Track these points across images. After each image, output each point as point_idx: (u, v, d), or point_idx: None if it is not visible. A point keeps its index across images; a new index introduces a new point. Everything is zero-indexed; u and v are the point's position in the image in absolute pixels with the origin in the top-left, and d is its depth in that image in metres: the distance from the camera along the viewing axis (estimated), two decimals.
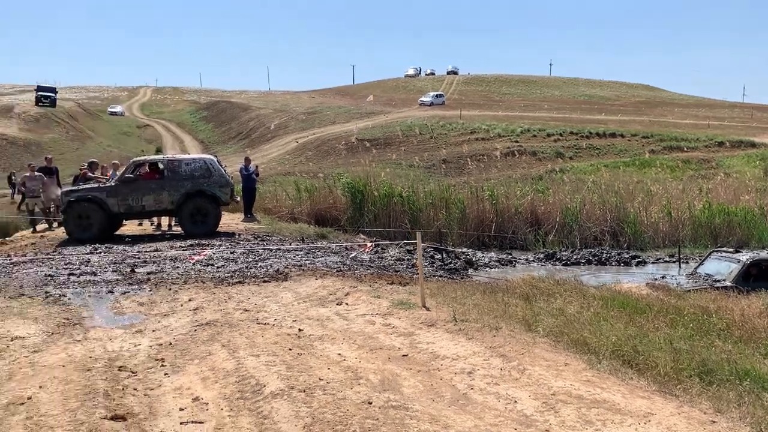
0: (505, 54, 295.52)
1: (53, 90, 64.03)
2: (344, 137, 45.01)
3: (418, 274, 10.62)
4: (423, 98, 65.11)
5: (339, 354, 5.96)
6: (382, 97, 73.48)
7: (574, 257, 16.27)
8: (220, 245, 12.85)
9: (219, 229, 15.04)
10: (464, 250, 16.34)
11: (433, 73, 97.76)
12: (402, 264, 11.85)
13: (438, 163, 36.15)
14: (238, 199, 16.87)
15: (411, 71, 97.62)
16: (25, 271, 10.36)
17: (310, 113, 60.67)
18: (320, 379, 5.22)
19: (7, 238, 16.90)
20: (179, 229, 15.33)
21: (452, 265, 13.72)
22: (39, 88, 63.24)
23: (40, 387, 5.10)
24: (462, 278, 12.18)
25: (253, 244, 13.39)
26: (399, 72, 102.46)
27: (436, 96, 65.27)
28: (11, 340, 6.42)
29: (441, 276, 11.50)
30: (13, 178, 32.28)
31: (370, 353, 6.01)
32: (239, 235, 14.72)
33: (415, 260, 12.46)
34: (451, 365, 5.70)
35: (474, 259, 15.36)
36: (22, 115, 54.83)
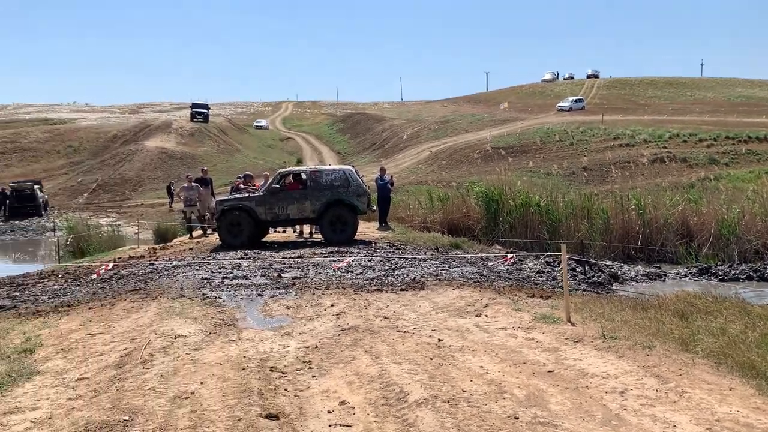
0: (650, 55, 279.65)
1: (206, 106, 69.36)
2: (478, 145, 44.69)
3: (560, 287, 10.25)
4: (561, 103, 63.20)
5: (481, 366, 5.86)
6: (517, 103, 72.20)
7: (732, 272, 14.94)
8: (358, 253, 13.18)
9: (356, 237, 15.46)
10: (608, 262, 15.55)
11: (571, 78, 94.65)
12: (542, 276, 11.50)
13: (578, 170, 34.82)
14: (374, 208, 17.26)
15: (548, 76, 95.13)
16: (184, 274, 11.22)
17: (443, 122, 60.92)
18: (463, 391, 5.15)
19: (167, 243, 18.50)
20: (319, 236, 15.96)
21: (595, 278, 13.11)
22: (194, 105, 68.85)
23: (201, 383, 5.47)
24: (607, 293, 11.59)
25: (389, 252, 13.60)
26: (535, 77, 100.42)
27: (576, 101, 63.08)
28: (175, 338, 6.96)
29: (584, 290, 11.01)
30: (171, 187, 35.32)
31: (514, 367, 5.86)
32: (375, 243, 15.02)
33: (555, 273, 12.05)
34: (601, 384, 5.41)
35: (619, 272, 14.57)
36: (179, 130, 59.93)
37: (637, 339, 6.56)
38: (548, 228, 17.40)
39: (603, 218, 17.26)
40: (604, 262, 15.28)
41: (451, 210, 19.41)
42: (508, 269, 11.84)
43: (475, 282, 10.08)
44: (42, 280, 13.55)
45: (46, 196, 38.72)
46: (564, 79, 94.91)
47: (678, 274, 15.33)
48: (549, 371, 5.77)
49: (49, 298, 11.06)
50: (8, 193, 36.30)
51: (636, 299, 9.81)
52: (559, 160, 38.33)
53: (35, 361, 6.76)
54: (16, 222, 33.43)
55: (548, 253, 13.35)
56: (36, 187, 36.91)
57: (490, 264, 12.20)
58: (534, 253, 14.29)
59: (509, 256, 12.48)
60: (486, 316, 7.88)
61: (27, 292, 12.27)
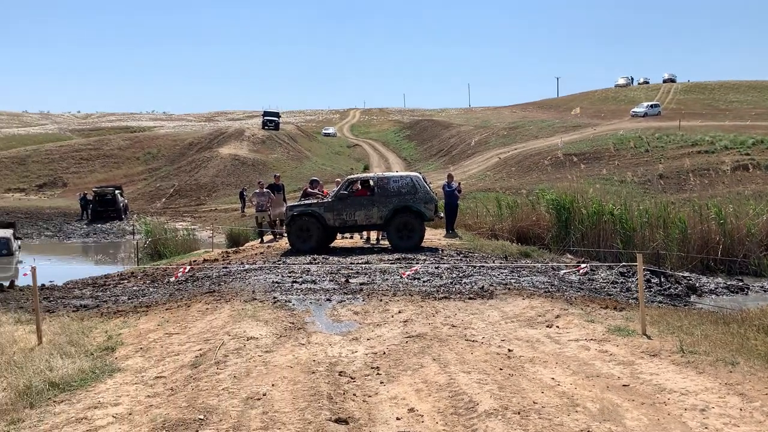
0: (731, 58, 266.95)
1: (277, 114, 71.06)
2: (548, 152, 43.82)
3: (635, 298, 9.91)
4: (636, 109, 61.22)
5: (552, 378, 5.73)
6: (590, 109, 70.45)
7: None
8: (425, 260, 13.15)
9: (423, 244, 15.43)
10: (686, 274, 14.90)
11: (647, 82, 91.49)
12: (615, 287, 11.14)
13: (654, 178, 33.55)
14: (442, 215, 17.17)
15: (622, 81, 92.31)
16: (256, 277, 11.50)
17: (512, 128, 60.12)
18: (534, 403, 5.05)
19: (239, 248, 19.02)
20: (386, 242, 16.02)
21: (672, 290, 12.59)
22: (265, 113, 70.70)
23: (273, 385, 5.59)
24: (684, 305, 11.11)
25: (457, 260, 13.50)
26: (608, 82, 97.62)
27: (651, 106, 60.96)
28: (247, 340, 7.14)
29: (660, 302, 10.59)
30: (244, 193, 36.33)
31: (587, 380, 5.69)
32: (442, 250, 14.95)
33: (629, 284, 11.66)
34: (679, 400, 5.19)
35: (697, 284, 13.94)
36: (251, 138, 61.58)
37: (718, 354, 6.26)
38: (622, 237, 16.82)
39: (680, 228, 16.56)
40: (681, 274, 14.65)
41: (521, 218, 19.07)
42: (579, 279, 11.54)
43: (545, 292, 9.87)
44: (122, 281, 14.21)
45: (126, 201, 40.59)
46: (639, 83, 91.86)
47: (762, 287, 14.52)
48: (624, 385, 5.58)
49: (128, 299, 11.58)
50: (90, 198, 38.28)
51: (717, 313, 9.37)
52: (633, 167, 37.08)
53: (116, 358, 7.09)
54: (99, 225, 35.16)
55: (622, 264, 12.91)
56: (117, 192, 38.74)
57: (561, 273, 11.92)
58: (607, 263, 13.85)
59: (582, 265, 12.16)
60: (557, 327, 7.70)
61: (108, 292, 12.89)
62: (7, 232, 22.44)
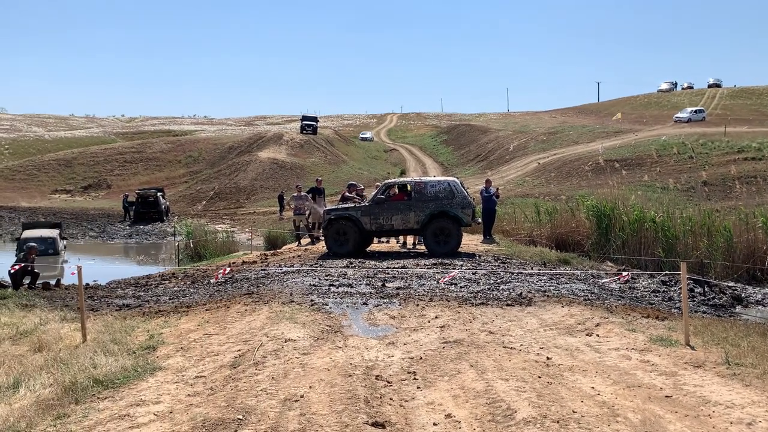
0: None
1: (315, 119, 71.66)
2: (589, 157, 43.16)
3: (678, 308, 9.69)
4: (679, 114, 59.94)
5: (592, 387, 5.63)
6: (631, 114, 69.22)
7: None
8: (462, 265, 13.08)
9: (460, 249, 15.36)
10: (730, 284, 14.49)
11: (691, 87, 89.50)
12: (657, 296, 10.90)
13: (698, 185, 32.73)
14: (479, 220, 17.06)
15: (665, 86, 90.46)
16: (293, 280, 11.60)
17: (551, 133, 59.44)
18: (574, 412, 4.97)
19: (277, 250, 19.23)
20: (423, 247, 15.99)
21: (716, 300, 12.25)
22: (304, 118, 71.37)
23: (310, 387, 5.62)
24: (729, 316, 10.80)
25: (494, 266, 13.40)
26: (650, 87, 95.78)
27: (695, 111, 59.60)
28: (285, 342, 7.20)
29: (704, 312, 10.32)
30: (283, 197, 36.72)
31: (628, 390, 5.58)
32: (479, 256, 14.85)
33: (672, 293, 11.41)
34: (725, 413, 5.04)
35: (743, 294, 13.54)
36: (289, 142, 62.23)
37: (766, 367, 6.07)
38: (664, 245, 16.45)
39: (725, 236, 16.10)
40: (725, 284, 14.25)
41: (560, 224, 18.82)
42: (620, 287, 11.33)
43: (585, 300, 9.72)
44: (163, 282, 14.51)
45: (168, 203, 41.44)
46: (682, 88, 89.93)
47: None
48: (666, 396, 5.45)
49: (169, 299, 11.82)
50: (132, 200, 39.23)
51: (764, 324, 9.08)
52: (676, 173, 36.26)
53: (157, 357, 7.23)
54: (141, 226, 35.96)
55: (665, 272, 12.63)
56: (159, 194, 39.57)
57: (601, 281, 11.73)
58: (648, 272, 13.57)
59: (624, 273, 11.94)
60: (597, 335, 7.57)
61: (150, 292, 13.17)
62: (53, 232, 23.09)
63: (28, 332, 9.18)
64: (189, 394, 5.70)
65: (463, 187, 15.89)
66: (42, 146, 73.23)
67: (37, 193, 55.57)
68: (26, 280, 13.99)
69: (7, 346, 8.54)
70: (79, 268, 8.83)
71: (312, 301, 9.54)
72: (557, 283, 11.21)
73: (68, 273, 16.84)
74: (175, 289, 13.21)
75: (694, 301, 11.73)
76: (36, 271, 14.26)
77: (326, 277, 11.77)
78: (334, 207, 16.50)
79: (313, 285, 10.93)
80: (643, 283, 12.24)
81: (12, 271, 13.71)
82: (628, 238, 16.86)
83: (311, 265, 13.60)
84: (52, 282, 14.49)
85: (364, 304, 9.46)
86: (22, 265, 13.86)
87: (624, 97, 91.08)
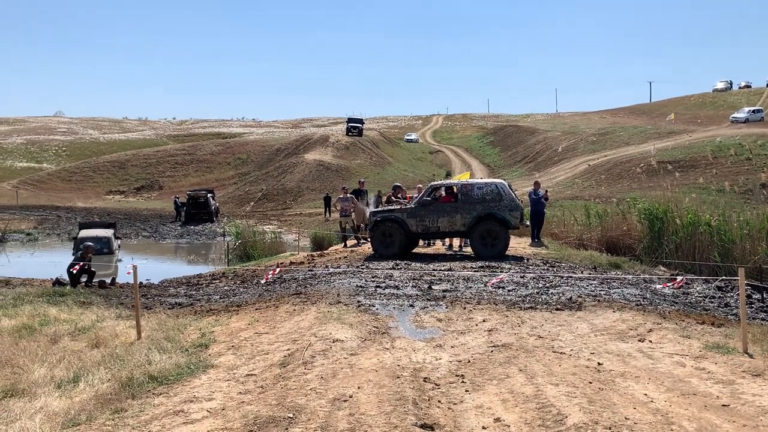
0: None
1: (361, 121, 72.09)
2: (640, 159, 42.15)
3: (735, 315, 9.38)
4: (736, 114, 58.01)
5: (645, 394, 5.51)
6: (685, 114, 67.29)
7: None
8: (509, 269, 12.95)
9: (507, 252, 15.20)
10: None
11: (748, 86, 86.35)
12: (713, 302, 10.56)
13: (756, 188, 31.59)
14: (527, 223, 16.86)
15: (720, 85, 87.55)
16: (340, 281, 11.69)
17: (602, 134, 58.30)
18: (626, 418, 4.87)
19: (324, 251, 19.40)
20: (469, 250, 15.89)
21: None
22: (349, 120, 71.91)
23: (359, 388, 5.66)
24: None
25: (543, 269, 13.21)
26: (705, 87, 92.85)
27: (753, 111, 57.55)
28: (333, 342, 7.27)
29: (763, 320, 9.94)
30: (329, 198, 37.02)
31: (682, 398, 5.44)
32: (527, 259, 14.67)
33: (728, 299, 11.04)
34: None
35: None
36: (335, 144, 62.76)
37: None
38: (719, 250, 15.91)
39: None
40: None
41: (610, 227, 18.43)
42: (674, 293, 11.02)
43: (637, 305, 9.49)
44: (214, 281, 14.81)
45: (217, 204, 42.31)
46: (739, 87, 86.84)
47: None
48: (723, 405, 5.29)
49: (220, 298, 12.06)
50: (180, 202, 40.27)
51: None
52: (732, 176, 35.08)
53: (209, 355, 7.39)
54: (192, 227, 36.81)
55: (721, 278, 12.23)
56: (209, 195, 40.44)
57: (654, 286, 11.44)
58: (703, 277, 13.16)
59: (678, 278, 11.61)
60: (650, 341, 7.39)
61: (201, 291, 13.47)
62: (108, 232, 23.83)
63: (86, 329, 9.51)
64: (240, 392, 5.82)
65: (511, 189, 15.72)
66: (97, 148, 75.90)
67: (92, 193, 57.58)
68: (83, 278, 14.48)
69: (66, 341, 8.86)
70: (135, 267, 9.10)
71: (359, 302, 9.59)
72: (608, 288, 10.99)
73: (122, 272, 17.36)
74: (226, 288, 13.47)
75: (752, 307, 11.30)
76: (92, 269, 14.75)
77: (372, 279, 11.82)
78: (380, 209, 16.56)
79: (360, 286, 10.99)
80: (698, 288, 11.87)
81: (73, 271, 14.22)
82: (682, 242, 16.37)
83: (357, 267, 13.68)
84: (108, 280, 14.96)
85: (411, 306, 9.46)
86: (82, 264, 14.36)
87: (677, 96, 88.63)
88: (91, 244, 16.19)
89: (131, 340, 8.56)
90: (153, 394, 6.03)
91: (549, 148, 58.41)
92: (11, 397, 6.35)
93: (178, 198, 41.69)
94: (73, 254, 19.83)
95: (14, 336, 9.05)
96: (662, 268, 15.02)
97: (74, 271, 14.15)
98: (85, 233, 23.18)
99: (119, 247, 25.00)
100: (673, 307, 9.54)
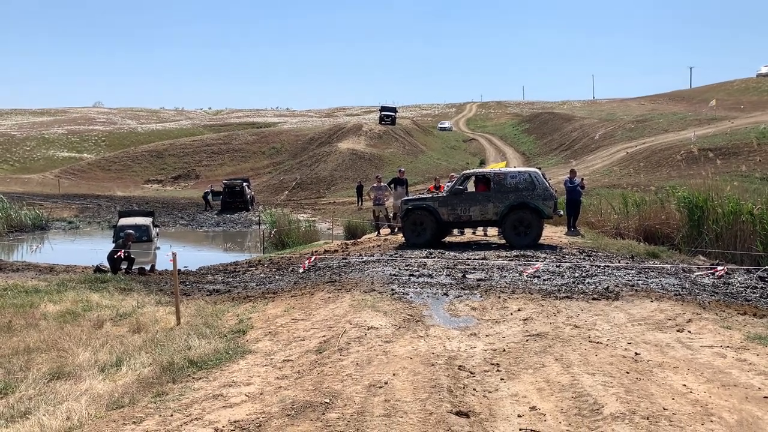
0: None
1: (394, 110, 71.82)
2: (680, 146, 41.13)
3: None
4: None
5: (684, 385, 5.43)
6: (727, 100, 65.41)
7: None
8: (545, 258, 12.84)
9: (542, 241, 15.08)
10: None
11: None
12: (755, 293, 10.31)
13: None
14: (561, 212, 16.67)
15: (765, 69, 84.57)
16: (373, 269, 11.76)
17: (640, 121, 57.08)
18: (664, 409, 4.81)
19: (357, 240, 19.51)
20: (502, 239, 15.79)
21: None
22: (382, 108, 71.69)
23: (394, 375, 5.71)
24: None
25: (579, 259, 13.07)
26: (748, 72, 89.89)
27: None
28: (368, 329, 7.33)
29: None
30: (362, 187, 37.15)
31: (722, 389, 5.35)
32: (563, 248, 14.52)
33: None
34: None
35: None
36: (368, 133, 62.75)
37: None
38: (762, 239, 15.49)
39: None
40: None
41: (648, 216, 18.09)
42: (713, 283, 10.79)
43: (676, 295, 9.34)
44: (250, 269, 15.04)
45: (252, 193, 42.82)
46: None
47: None
48: (765, 397, 5.19)
49: (256, 285, 12.25)
50: (213, 192, 41.07)
51: None
52: None
53: (247, 341, 7.53)
54: (227, 215, 37.34)
55: (763, 268, 11.93)
56: (245, 184, 40.95)
57: (693, 276, 11.22)
58: (745, 267, 12.85)
59: (719, 268, 11.36)
60: (689, 331, 7.27)
61: (238, 278, 13.69)
62: (147, 220, 24.27)
63: (126, 314, 9.78)
64: (278, 377, 5.92)
65: (545, 179, 15.55)
66: (135, 138, 77.32)
67: (131, 182, 58.81)
68: (123, 265, 14.85)
69: (108, 327, 9.13)
70: (174, 255, 9.29)
71: (393, 290, 9.64)
72: (646, 277, 10.83)
73: (161, 259, 17.71)
74: (262, 275, 13.67)
75: None
76: (132, 256, 15.11)
77: (406, 267, 11.85)
78: (411, 197, 16.55)
79: (394, 275, 11.03)
80: (739, 278, 11.60)
81: (114, 257, 14.58)
82: (723, 231, 15.99)
83: (391, 255, 13.73)
84: (147, 267, 15.31)
85: (445, 294, 9.47)
86: (123, 251, 14.72)
87: (719, 82, 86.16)
88: (131, 231, 16.55)
89: (171, 325, 8.77)
90: (193, 378, 6.18)
91: (585, 136, 57.46)
92: (58, 379, 6.58)
93: (208, 192, 42.32)
94: (113, 242, 20.31)
95: (59, 321, 9.35)
96: (702, 258, 14.72)
97: (116, 257, 14.51)
98: (124, 221, 23.65)
99: (158, 235, 25.46)
100: (713, 298, 9.36)
